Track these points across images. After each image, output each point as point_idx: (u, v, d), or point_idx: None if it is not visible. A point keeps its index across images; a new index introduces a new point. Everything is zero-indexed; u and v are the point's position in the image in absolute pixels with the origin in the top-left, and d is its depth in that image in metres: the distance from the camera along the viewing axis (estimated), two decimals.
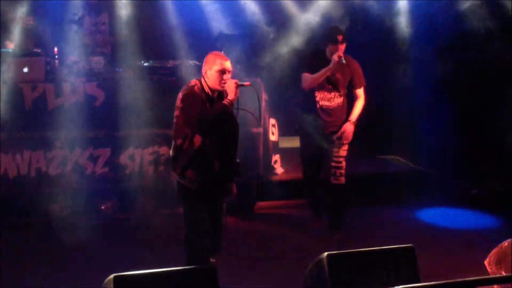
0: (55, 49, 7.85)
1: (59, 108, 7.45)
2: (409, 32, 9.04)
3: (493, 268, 4.06)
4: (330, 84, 6.98)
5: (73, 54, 7.90)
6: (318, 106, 7.00)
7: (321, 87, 6.98)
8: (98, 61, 7.87)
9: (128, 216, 7.49)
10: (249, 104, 8.06)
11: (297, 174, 8.61)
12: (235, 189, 5.48)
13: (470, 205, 8.26)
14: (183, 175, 5.20)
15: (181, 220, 7.52)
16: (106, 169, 7.64)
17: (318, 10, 9.09)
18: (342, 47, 6.84)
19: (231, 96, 5.21)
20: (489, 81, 8.39)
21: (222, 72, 5.22)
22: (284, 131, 9.20)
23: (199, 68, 8.21)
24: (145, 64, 8.09)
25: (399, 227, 7.59)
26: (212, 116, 5.13)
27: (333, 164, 6.96)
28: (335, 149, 6.96)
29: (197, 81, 5.28)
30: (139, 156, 7.77)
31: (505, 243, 4.11)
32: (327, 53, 6.91)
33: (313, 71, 6.90)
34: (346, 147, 7.01)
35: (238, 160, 5.45)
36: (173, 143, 5.27)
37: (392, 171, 9.21)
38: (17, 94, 7.35)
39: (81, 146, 7.53)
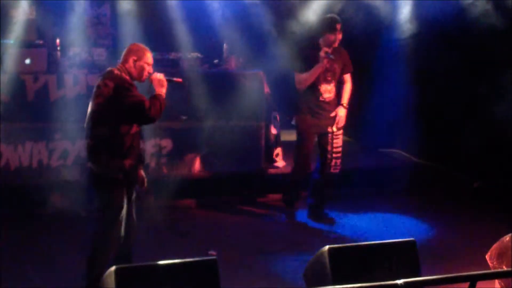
0: (57, 40, 7.84)
1: (61, 99, 7.44)
2: (410, 28, 9.02)
3: (495, 263, 4.05)
4: (330, 76, 7.07)
5: (75, 45, 7.89)
6: (321, 99, 7.09)
7: (323, 80, 7.05)
8: (100, 53, 7.86)
9: None
10: (251, 94, 8.10)
11: None
12: (144, 176, 5.42)
13: (472, 198, 8.26)
14: (108, 164, 5.13)
15: (181, 213, 7.59)
16: None
17: (322, 4, 9.07)
18: (340, 36, 6.98)
19: (164, 89, 5.21)
20: (490, 76, 8.38)
21: (149, 65, 5.25)
22: (285, 124, 9.18)
23: (201, 60, 8.29)
24: None
25: (400, 220, 7.59)
26: (161, 106, 5.12)
27: (334, 155, 7.14)
28: (335, 140, 7.14)
29: (117, 70, 5.22)
30: None
31: (507, 237, 4.09)
32: (321, 43, 7.00)
33: (307, 66, 6.98)
34: (342, 135, 7.24)
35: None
36: (90, 132, 5.19)
37: (393, 164, 9.19)
38: (19, 85, 7.34)
39: (83, 137, 7.50)
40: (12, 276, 5.68)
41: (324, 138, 7.19)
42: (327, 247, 3.84)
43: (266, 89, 8.25)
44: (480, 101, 8.49)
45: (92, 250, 5.28)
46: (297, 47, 7.40)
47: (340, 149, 7.19)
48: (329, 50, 6.94)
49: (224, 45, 8.36)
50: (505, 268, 3.95)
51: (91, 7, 8.44)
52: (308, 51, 7.10)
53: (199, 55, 8.29)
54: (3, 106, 7.22)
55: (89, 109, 5.25)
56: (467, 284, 3.33)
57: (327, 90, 7.09)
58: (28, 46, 7.60)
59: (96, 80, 5.42)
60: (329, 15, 7.30)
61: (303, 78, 7.02)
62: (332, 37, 6.96)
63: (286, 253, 6.52)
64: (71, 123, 7.40)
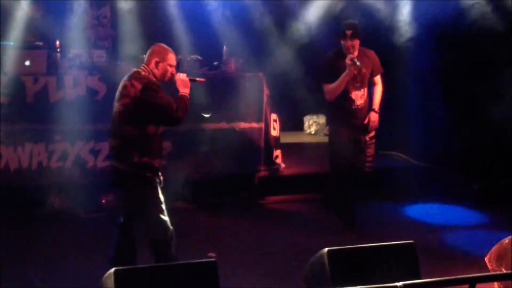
0: (57, 42, 7.84)
1: (60, 101, 7.45)
2: (409, 30, 9.03)
3: (494, 265, 4.06)
4: (359, 82, 6.79)
5: (75, 47, 7.89)
6: (354, 106, 6.82)
7: (352, 87, 6.77)
8: (100, 54, 7.86)
9: None
10: (251, 96, 8.11)
11: (298, 169, 8.64)
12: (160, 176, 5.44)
13: (471, 200, 8.25)
14: (137, 163, 5.10)
15: (181, 214, 7.59)
16: (107, 163, 7.63)
17: (322, 5, 9.09)
18: (353, 42, 6.67)
19: (187, 90, 5.24)
20: (490, 76, 8.39)
21: (171, 66, 5.26)
22: (285, 126, 9.19)
23: (201, 62, 8.29)
24: None
25: (399, 223, 7.59)
26: (186, 106, 5.14)
27: (367, 163, 6.99)
28: (368, 150, 6.94)
29: (144, 71, 5.21)
30: None
31: (506, 240, 4.10)
32: (344, 49, 6.73)
33: (333, 76, 6.70)
34: (374, 144, 7.01)
35: None
36: (117, 131, 5.15)
37: (393, 167, 9.19)
38: (19, 86, 7.34)
39: (83, 139, 7.53)
40: (12, 276, 5.68)
41: (356, 145, 6.91)
42: (326, 248, 3.84)
43: (266, 91, 8.25)
44: (480, 101, 8.50)
45: (156, 245, 5.30)
46: (322, 57, 6.98)
47: (371, 157, 7.01)
48: (355, 57, 6.62)
49: (224, 47, 8.36)
50: (504, 271, 3.96)
51: (91, 9, 8.45)
52: (333, 60, 6.80)
53: (199, 57, 8.29)
54: (3, 107, 7.22)
55: (114, 109, 5.22)
56: (466, 286, 3.33)
57: (358, 97, 6.81)
58: (28, 47, 7.61)
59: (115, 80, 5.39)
60: (344, 21, 6.98)
61: (331, 89, 6.73)
62: (346, 42, 6.65)
63: (286, 253, 6.52)
64: (71, 125, 7.41)
